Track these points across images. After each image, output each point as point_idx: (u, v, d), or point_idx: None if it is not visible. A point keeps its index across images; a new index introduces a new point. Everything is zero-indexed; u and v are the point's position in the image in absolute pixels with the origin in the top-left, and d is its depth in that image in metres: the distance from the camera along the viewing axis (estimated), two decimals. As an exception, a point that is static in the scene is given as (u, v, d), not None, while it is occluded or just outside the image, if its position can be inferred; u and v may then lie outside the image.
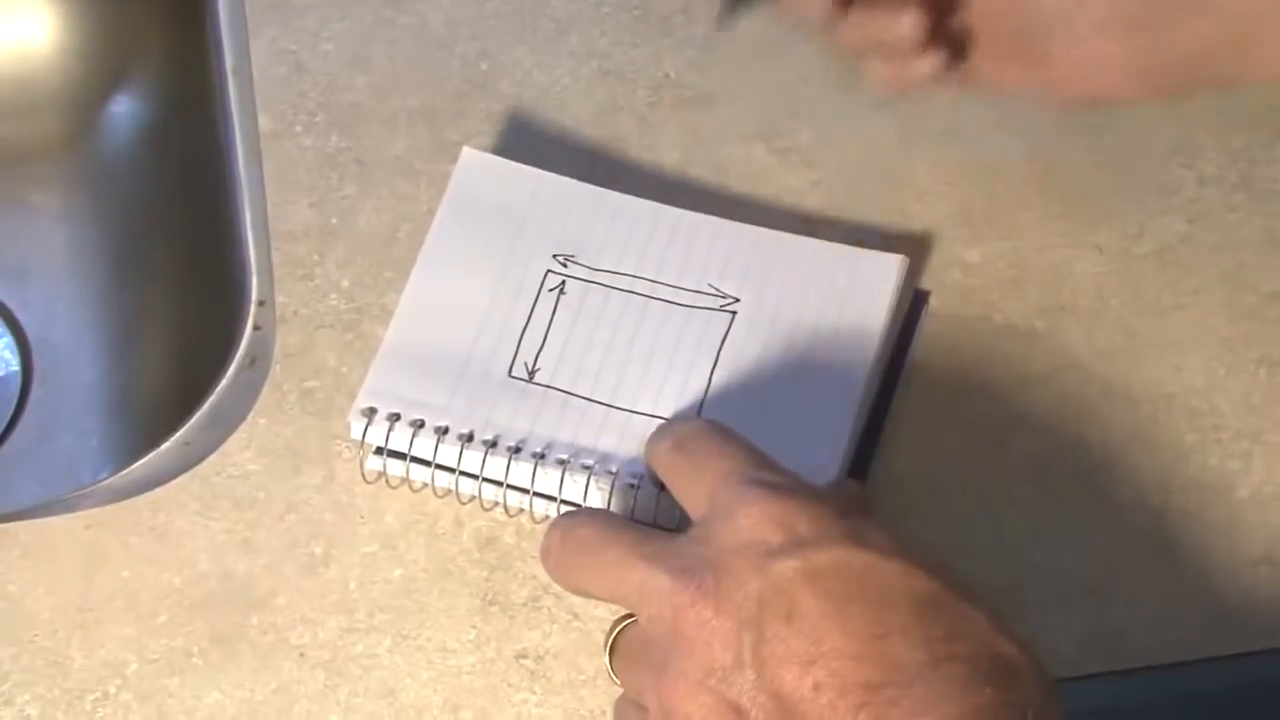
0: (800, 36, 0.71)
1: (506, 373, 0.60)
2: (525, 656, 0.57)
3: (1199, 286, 0.65)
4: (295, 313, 0.64)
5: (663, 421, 0.59)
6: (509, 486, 0.59)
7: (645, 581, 0.49)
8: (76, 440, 0.76)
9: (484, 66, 0.70)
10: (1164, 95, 0.55)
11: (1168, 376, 0.63)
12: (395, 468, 0.60)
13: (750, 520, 0.48)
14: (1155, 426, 0.62)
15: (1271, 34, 0.52)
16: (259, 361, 0.63)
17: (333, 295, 0.65)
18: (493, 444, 0.59)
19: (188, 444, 0.62)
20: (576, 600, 0.57)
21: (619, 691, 0.53)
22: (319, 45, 0.71)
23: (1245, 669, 0.58)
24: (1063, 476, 0.61)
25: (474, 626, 0.58)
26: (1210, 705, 0.58)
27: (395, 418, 0.59)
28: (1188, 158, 0.68)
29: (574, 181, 0.65)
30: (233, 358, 0.63)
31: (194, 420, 0.62)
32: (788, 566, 0.47)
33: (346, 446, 0.61)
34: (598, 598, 0.53)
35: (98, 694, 0.56)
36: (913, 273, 0.63)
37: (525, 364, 0.61)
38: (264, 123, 0.69)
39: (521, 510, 0.59)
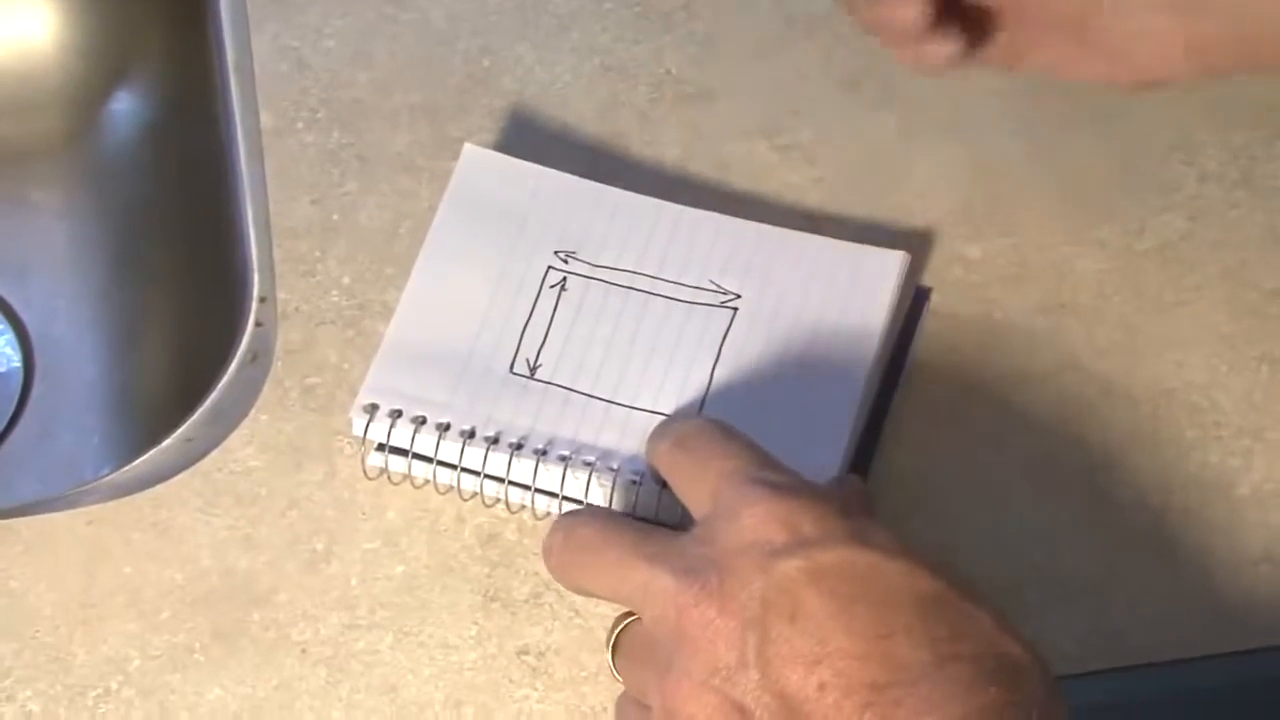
0: (802, 33, 0.71)
1: (508, 369, 0.61)
2: (527, 653, 0.57)
3: (1200, 283, 0.65)
4: (297, 309, 0.64)
5: (664, 418, 0.59)
6: (510, 483, 0.59)
7: (648, 582, 0.49)
8: (78, 437, 0.76)
9: (486, 63, 0.70)
10: (1217, 75, 0.54)
11: (1169, 373, 0.63)
12: (397, 464, 0.60)
13: (754, 520, 0.48)
14: (1156, 424, 0.62)
15: None
16: (260, 358, 0.63)
17: (334, 292, 0.65)
18: (494, 440, 0.59)
19: (189, 440, 0.62)
20: (578, 597, 0.57)
21: (620, 688, 0.53)
22: (321, 42, 0.71)
23: (1245, 666, 0.58)
24: (1063, 474, 0.61)
25: (475, 623, 0.58)
26: (1210, 702, 0.58)
27: (397, 414, 0.59)
28: (1188, 155, 0.68)
29: (575, 178, 0.65)
30: (234, 354, 0.63)
31: (195, 417, 0.62)
32: (792, 566, 0.47)
33: (348, 443, 0.61)
34: (600, 597, 0.53)
35: (100, 690, 0.56)
36: (914, 269, 0.63)
37: (527, 360, 0.61)
38: (265, 119, 0.69)
39: (523, 507, 0.59)
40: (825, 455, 0.58)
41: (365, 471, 0.60)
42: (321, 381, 0.63)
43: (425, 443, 0.59)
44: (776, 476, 0.51)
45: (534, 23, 0.71)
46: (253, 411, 0.62)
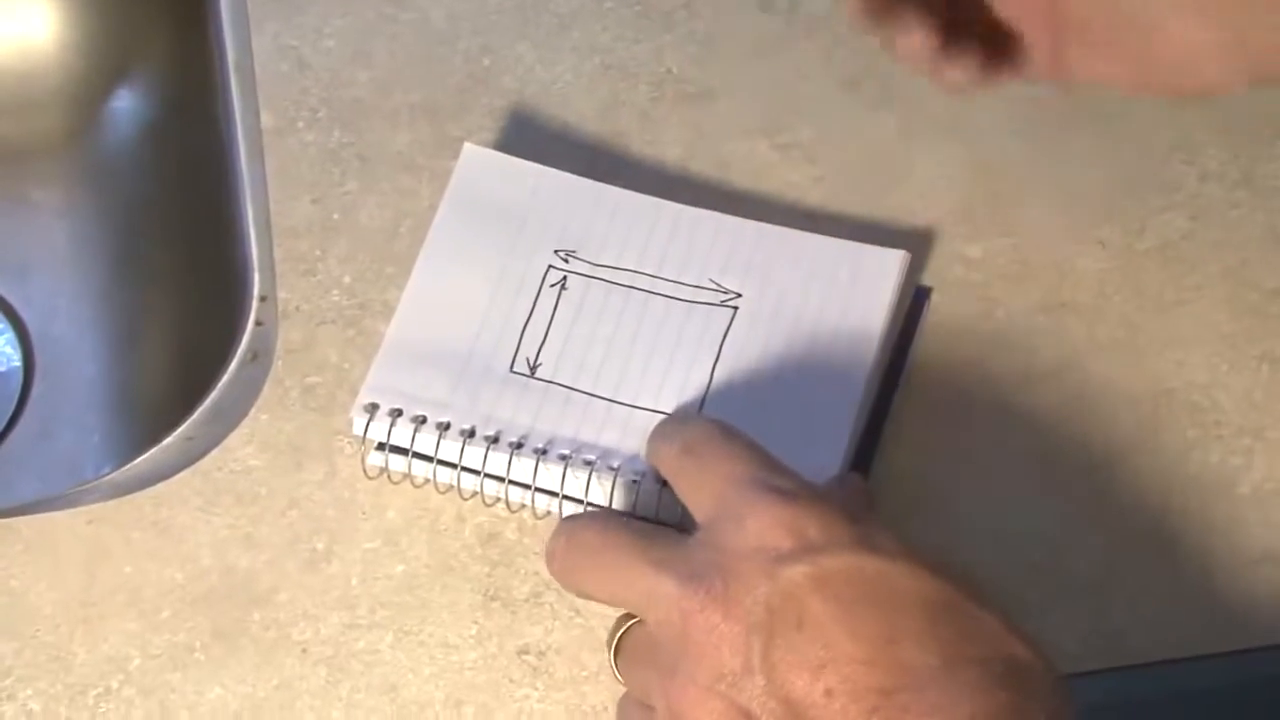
0: (802, 32, 0.71)
1: (508, 368, 0.60)
2: (527, 652, 0.57)
3: (1201, 282, 0.65)
4: (297, 308, 0.64)
5: (664, 417, 0.59)
6: (511, 482, 0.59)
7: (652, 587, 0.49)
8: (78, 436, 0.76)
9: (486, 62, 0.70)
10: (1266, 84, 0.54)
11: (1169, 373, 0.63)
12: (397, 463, 0.60)
13: (759, 525, 0.48)
14: (1157, 423, 0.62)
15: None
16: (261, 357, 0.63)
17: (335, 291, 0.65)
18: (494, 440, 0.59)
19: (189, 439, 0.62)
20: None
21: (621, 688, 0.53)
22: (321, 41, 0.71)
23: (1246, 665, 0.58)
24: (1064, 473, 0.61)
25: (476, 622, 0.58)
26: (1211, 702, 0.58)
27: (397, 413, 0.59)
28: (1189, 154, 0.68)
29: (576, 177, 0.65)
30: (234, 353, 0.63)
31: (196, 416, 0.62)
32: (797, 572, 0.47)
33: (348, 442, 0.61)
34: (604, 602, 0.53)
35: (100, 689, 0.56)
36: (914, 268, 0.63)
37: (527, 359, 0.61)
38: (266, 119, 0.69)
39: (523, 506, 0.59)
40: (826, 454, 0.58)
41: (365, 471, 0.60)
42: (322, 381, 0.63)
43: (425, 442, 0.59)
44: (781, 481, 0.50)
45: (534, 22, 0.71)
46: (253, 411, 0.62)
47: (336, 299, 0.64)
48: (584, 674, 0.57)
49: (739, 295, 0.62)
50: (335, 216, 0.66)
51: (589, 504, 0.58)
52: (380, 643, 0.57)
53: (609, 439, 0.59)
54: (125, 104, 0.81)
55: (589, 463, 0.58)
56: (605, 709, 0.56)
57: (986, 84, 0.54)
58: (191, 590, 0.58)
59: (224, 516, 0.60)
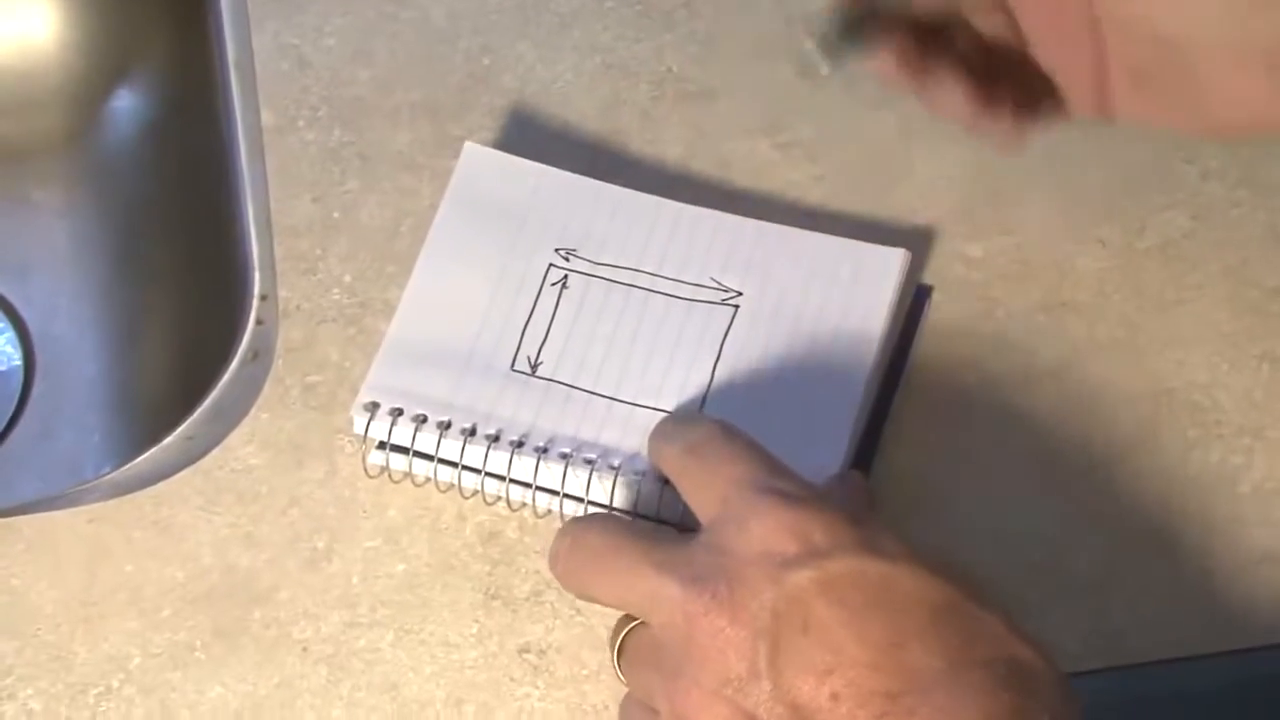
0: (802, 31, 0.71)
1: (509, 367, 0.61)
2: (528, 651, 0.57)
3: (1202, 282, 0.65)
4: (298, 307, 0.64)
5: (665, 414, 0.59)
6: (512, 481, 0.59)
7: (656, 589, 0.49)
8: (78, 435, 0.76)
9: (486, 61, 0.70)
10: None
11: (1170, 372, 0.63)
12: (398, 462, 0.60)
13: (764, 529, 0.48)
14: (1157, 422, 0.62)
15: None
16: (261, 356, 0.63)
17: (335, 290, 0.65)
18: (495, 438, 0.59)
19: (190, 438, 0.62)
20: (579, 595, 0.57)
21: (622, 687, 0.53)
22: (321, 40, 0.71)
23: (1246, 665, 0.58)
24: (1064, 472, 0.61)
25: (476, 621, 0.58)
26: (1212, 701, 0.58)
27: (398, 412, 0.59)
28: (1190, 153, 0.68)
29: (576, 176, 0.65)
30: (235, 352, 0.63)
31: (196, 415, 0.62)
32: (803, 577, 0.47)
33: (349, 441, 0.61)
34: (608, 605, 0.53)
35: (101, 688, 0.56)
36: (915, 267, 0.63)
37: (528, 358, 0.61)
38: (266, 117, 0.69)
39: (524, 505, 0.59)
40: (826, 453, 0.58)
41: (366, 470, 0.60)
42: (322, 379, 0.63)
43: (426, 441, 0.59)
44: (786, 485, 0.50)
45: (535, 21, 0.71)
46: (254, 409, 0.62)
47: (337, 298, 0.64)
48: (584, 672, 0.57)
49: (739, 294, 0.62)
50: (336, 215, 0.66)
51: (590, 502, 0.58)
52: (381, 641, 0.57)
53: (610, 437, 0.59)
54: (125, 103, 0.81)
55: (590, 461, 0.58)
56: (606, 707, 0.56)
57: (1028, 131, 0.54)
58: (192, 589, 0.58)
59: (225, 515, 0.60)
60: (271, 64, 0.70)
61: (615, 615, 0.53)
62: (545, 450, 0.58)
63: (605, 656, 0.53)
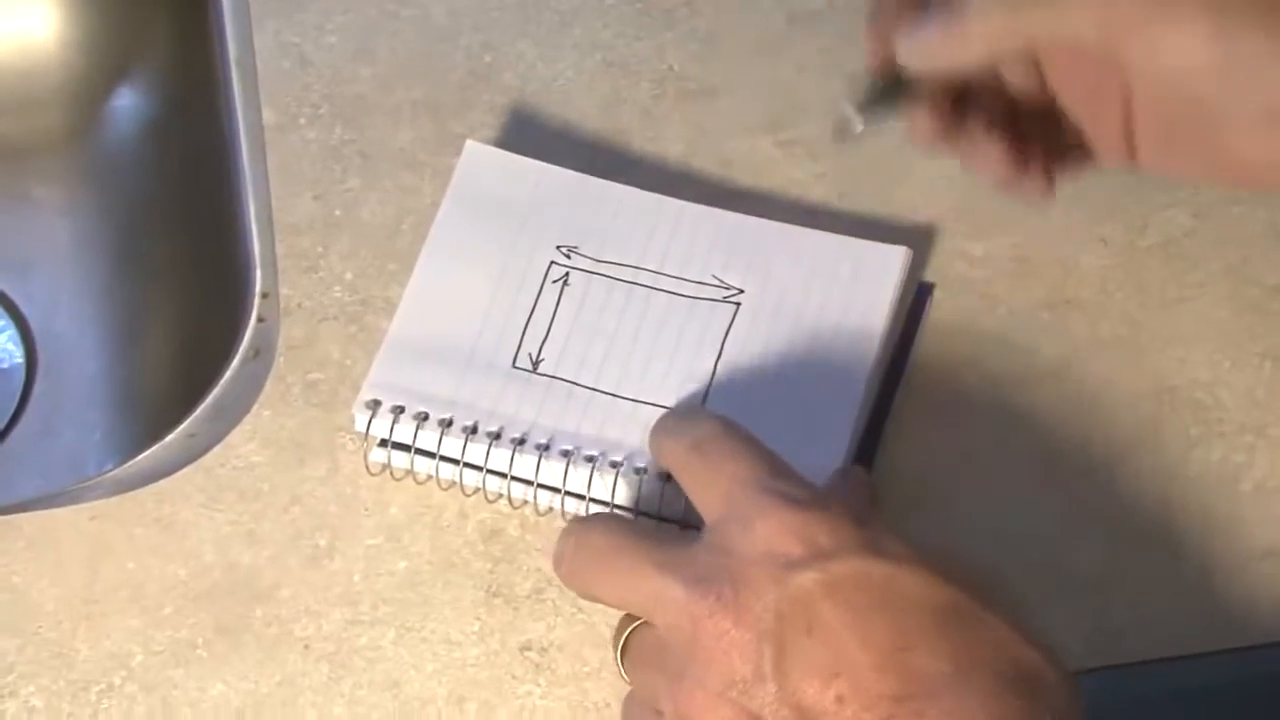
0: (803, 30, 0.71)
1: (510, 364, 0.61)
2: (529, 648, 0.57)
3: (1203, 280, 0.65)
4: (299, 305, 0.64)
5: (665, 410, 0.58)
6: (513, 478, 0.59)
7: (660, 591, 0.49)
8: (80, 433, 0.76)
9: (487, 59, 0.70)
10: None
11: (1171, 370, 0.63)
12: (400, 460, 0.60)
13: (768, 531, 0.48)
14: (1158, 420, 0.62)
15: None
16: (263, 354, 0.63)
17: (336, 287, 0.65)
18: (497, 436, 0.59)
19: (192, 436, 0.62)
20: (580, 592, 0.57)
21: (624, 684, 0.53)
22: (322, 38, 0.71)
23: (1248, 663, 0.58)
24: (1066, 470, 0.61)
25: (478, 618, 0.58)
26: (1213, 699, 0.58)
27: (399, 410, 0.59)
28: (1191, 151, 0.68)
29: (577, 174, 0.65)
30: (237, 350, 0.63)
31: (198, 412, 0.62)
32: (807, 579, 0.47)
33: (351, 439, 0.61)
34: (612, 605, 0.53)
35: (102, 685, 0.56)
36: (917, 265, 0.64)
37: (529, 355, 0.61)
38: (267, 115, 0.69)
39: (526, 502, 0.59)
40: (827, 451, 0.58)
41: (368, 467, 0.60)
42: (324, 377, 0.63)
43: (428, 438, 0.59)
44: (790, 486, 0.50)
45: (536, 19, 0.71)
46: (255, 407, 0.62)
47: (338, 295, 0.64)
48: (586, 670, 0.57)
49: (741, 291, 0.62)
50: (337, 213, 0.66)
51: (591, 500, 0.58)
52: (382, 639, 0.57)
53: (611, 435, 0.59)
54: (127, 101, 0.82)
55: (591, 459, 0.58)
56: (608, 705, 0.56)
57: (1061, 185, 0.55)
58: (194, 586, 0.58)
59: (226, 513, 0.60)
60: (273, 62, 0.70)
61: (617, 613, 0.53)
62: (547, 447, 0.58)
63: (607, 654, 0.53)
